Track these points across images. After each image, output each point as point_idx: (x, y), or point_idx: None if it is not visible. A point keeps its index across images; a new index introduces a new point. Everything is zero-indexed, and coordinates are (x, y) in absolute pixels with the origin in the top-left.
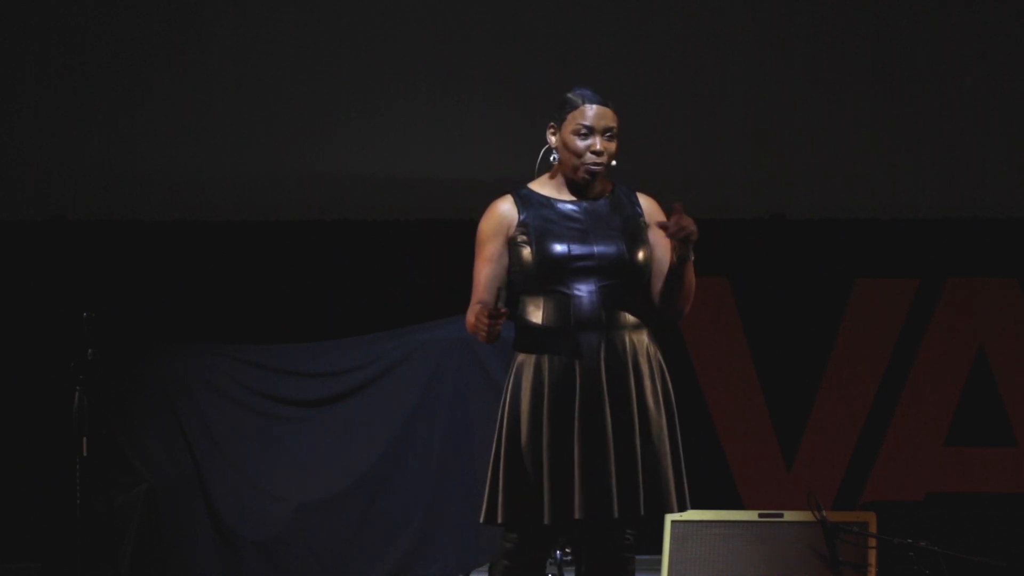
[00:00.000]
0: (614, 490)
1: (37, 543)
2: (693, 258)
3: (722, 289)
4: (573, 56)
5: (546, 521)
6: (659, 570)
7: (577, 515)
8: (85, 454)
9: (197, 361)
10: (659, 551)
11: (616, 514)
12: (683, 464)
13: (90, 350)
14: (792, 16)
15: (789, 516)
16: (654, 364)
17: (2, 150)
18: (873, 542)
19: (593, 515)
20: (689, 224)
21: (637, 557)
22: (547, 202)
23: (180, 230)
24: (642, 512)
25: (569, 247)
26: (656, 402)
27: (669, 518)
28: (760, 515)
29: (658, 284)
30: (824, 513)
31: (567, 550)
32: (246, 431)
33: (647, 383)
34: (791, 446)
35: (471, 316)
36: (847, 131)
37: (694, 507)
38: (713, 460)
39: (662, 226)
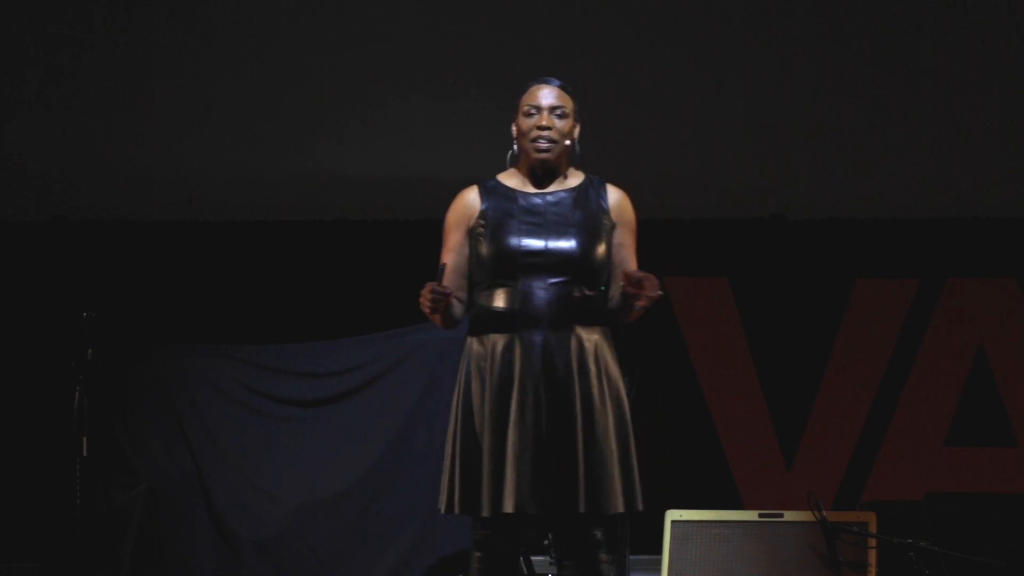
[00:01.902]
0: (549, 486)
1: (37, 543)
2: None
3: (722, 289)
4: (573, 56)
5: (484, 513)
6: (659, 570)
7: (508, 509)
8: (85, 454)
9: (197, 361)
10: (659, 551)
11: (550, 511)
12: (634, 464)
13: (90, 350)
14: (792, 16)
15: (789, 516)
16: (602, 364)
17: (2, 150)
18: (873, 542)
19: (525, 510)
20: (654, 292)
21: (637, 557)
22: (511, 194)
23: (180, 230)
24: (581, 510)
25: (522, 241)
26: (603, 402)
27: (669, 518)
28: (760, 515)
29: (612, 284)
30: (824, 513)
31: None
32: (246, 431)
33: (593, 382)
34: (791, 446)
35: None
36: (847, 131)
37: (694, 507)
38: (713, 460)
39: (630, 287)
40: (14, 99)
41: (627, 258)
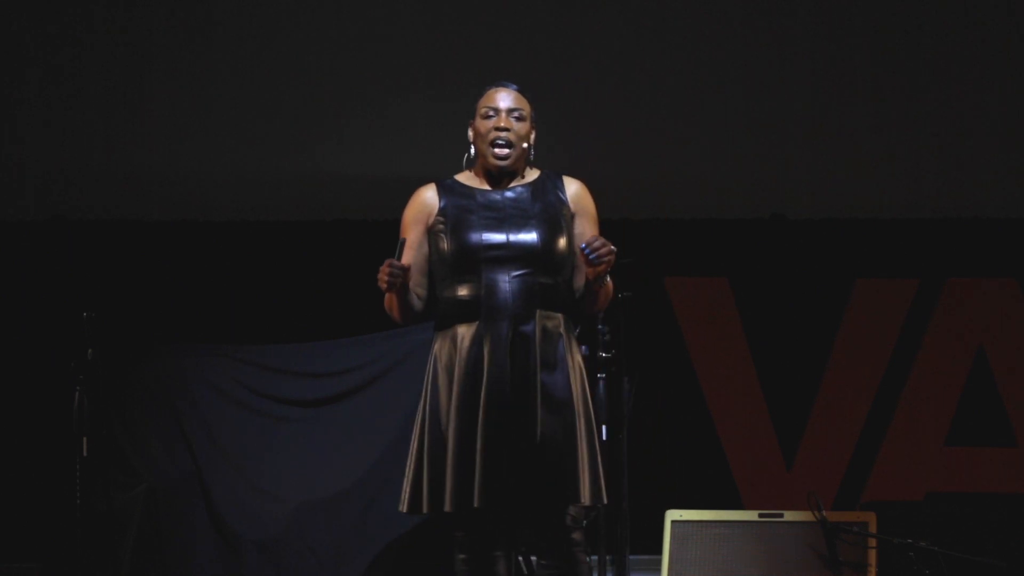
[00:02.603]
0: (515, 479)
1: (37, 543)
2: (608, 280)
3: (722, 289)
4: (573, 56)
5: (446, 508)
6: (659, 570)
7: (476, 503)
8: (85, 454)
9: (197, 361)
10: (659, 551)
11: (516, 503)
12: (598, 456)
13: (90, 350)
14: (792, 16)
15: (789, 516)
16: (567, 355)
17: (2, 150)
18: (873, 542)
19: (492, 504)
20: (607, 255)
21: (637, 557)
22: (469, 191)
23: (180, 230)
24: (545, 502)
25: (483, 236)
26: (566, 393)
27: (669, 518)
28: (760, 515)
29: (578, 275)
30: (824, 513)
31: None
32: (246, 431)
33: (557, 375)
34: (791, 446)
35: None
36: (847, 131)
37: (694, 507)
38: (713, 460)
39: (583, 254)
40: (14, 99)
41: None
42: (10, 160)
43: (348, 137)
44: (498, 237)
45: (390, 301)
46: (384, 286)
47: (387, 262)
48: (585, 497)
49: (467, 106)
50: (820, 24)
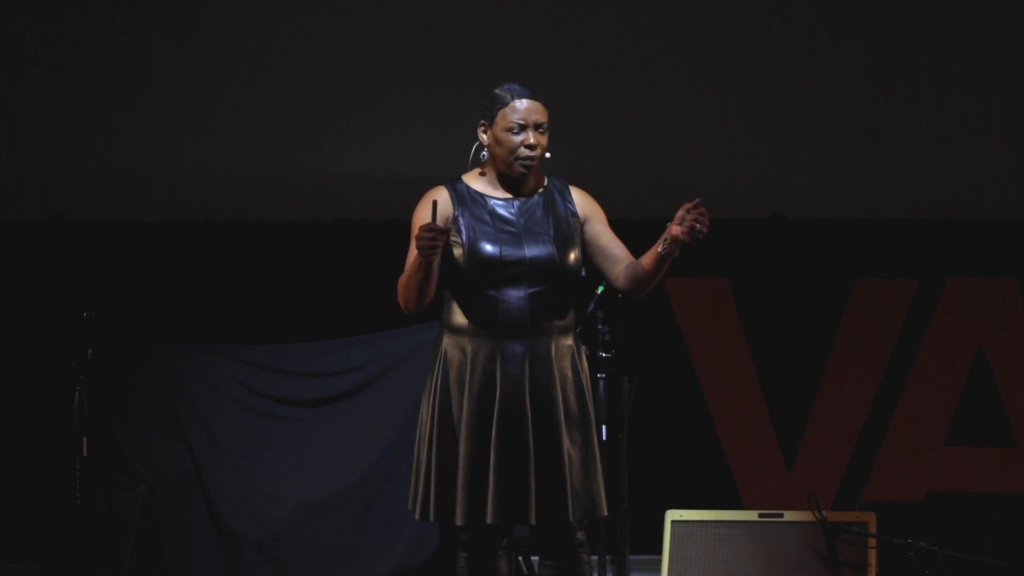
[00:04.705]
0: (533, 495)
1: (37, 543)
2: (676, 255)
3: (722, 289)
4: (573, 56)
5: (458, 522)
6: (659, 570)
7: (489, 519)
8: (85, 454)
9: (197, 361)
10: (659, 551)
11: (534, 520)
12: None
13: (90, 350)
14: (792, 15)
15: (789, 516)
16: (579, 368)
17: (2, 150)
18: (873, 542)
19: (506, 519)
20: (703, 227)
21: (637, 557)
22: (481, 199)
23: (180, 230)
24: (571, 517)
25: (501, 251)
26: (582, 407)
27: (669, 518)
28: (760, 515)
29: (612, 267)
30: (824, 513)
31: None
32: (246, 431)
33: (572, 388)
34: (791, 446)
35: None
36: (847, 131)
37: (694, 507)
38: (713, 460)
39: (685, 216)
40: (14, 99)
41: (610, 244)
42: (10, 160)
43: (348, 137)
44: (516, 253)
45: (411, 280)
46: (426, 252)
47: (425, 225)
48: (605, 509)
49: (467, 106)
50: (820, 24)
